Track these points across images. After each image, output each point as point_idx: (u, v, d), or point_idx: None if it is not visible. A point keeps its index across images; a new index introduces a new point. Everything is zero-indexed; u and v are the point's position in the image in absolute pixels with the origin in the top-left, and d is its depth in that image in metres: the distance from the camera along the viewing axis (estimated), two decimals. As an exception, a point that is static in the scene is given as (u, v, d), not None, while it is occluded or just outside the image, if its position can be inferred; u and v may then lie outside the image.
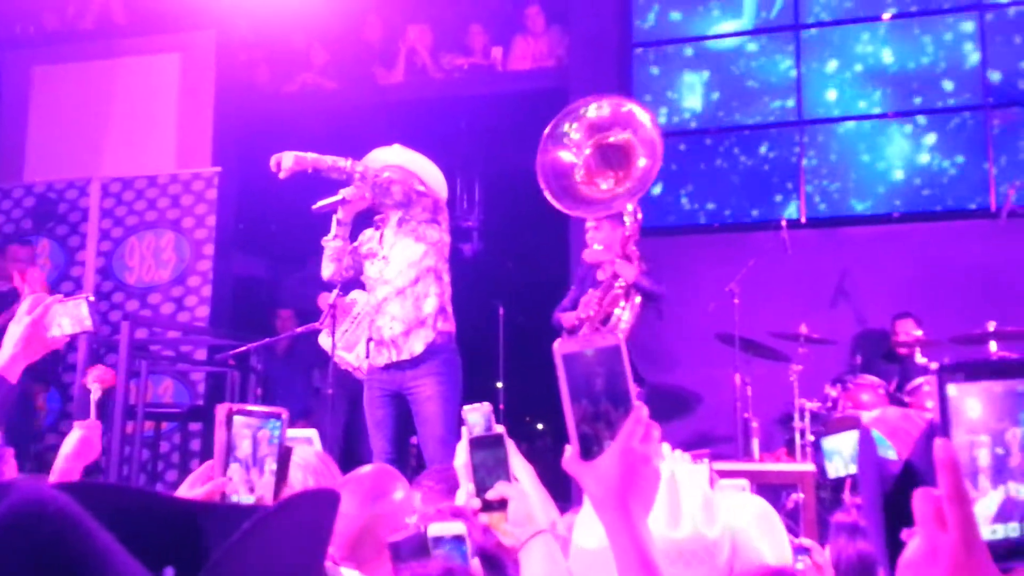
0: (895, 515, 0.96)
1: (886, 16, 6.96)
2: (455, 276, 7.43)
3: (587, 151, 4.80)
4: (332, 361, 4.79)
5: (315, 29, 8.44)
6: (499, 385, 6.42)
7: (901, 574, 0.83)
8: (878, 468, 1.02)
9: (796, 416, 5.38)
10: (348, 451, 6.08)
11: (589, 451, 1.15)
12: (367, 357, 4.54)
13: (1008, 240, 6.20)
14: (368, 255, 4.53)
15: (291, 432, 3.08)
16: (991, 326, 5.33)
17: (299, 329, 5.84)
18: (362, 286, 4.69)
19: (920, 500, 0.80)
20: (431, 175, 4.70)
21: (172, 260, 7.18)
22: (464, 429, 1.89)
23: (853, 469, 2.80)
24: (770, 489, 4.79)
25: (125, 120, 7.68)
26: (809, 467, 4.67)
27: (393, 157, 4.73)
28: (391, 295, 4.41)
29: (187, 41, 7.87)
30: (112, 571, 0.68)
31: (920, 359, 5.54)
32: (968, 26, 6.76)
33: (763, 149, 7.06)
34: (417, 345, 4.34)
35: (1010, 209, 5.93)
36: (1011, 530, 0.80)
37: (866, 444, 1.11)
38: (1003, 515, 0.80)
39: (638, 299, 4.83)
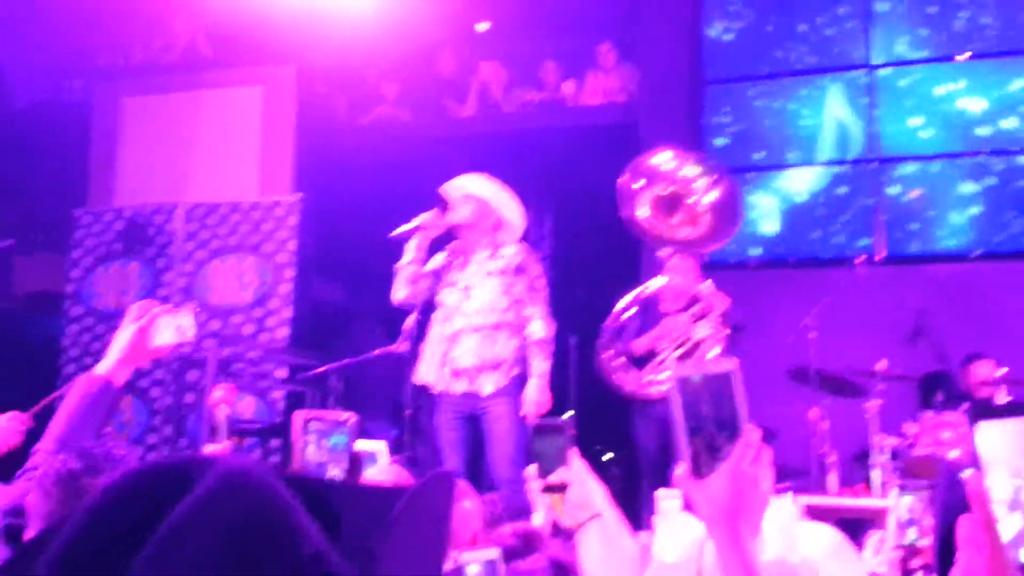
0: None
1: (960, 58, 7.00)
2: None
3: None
4: (411, 382, 4.92)
5: (390, 63, 8.66)
6: (570, 414, 6.49)
7: None
8: (949, 501, 1.07)
9: (874, 452, 5.37)
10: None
11: (700, 470, 1.21)
12: (434, 380, 4.67)
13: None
14: (447, 283, 4.66)
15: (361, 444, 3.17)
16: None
17: (376, 352, 5.97)
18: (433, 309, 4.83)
19: (960, 526, 0.90)
20: (510, 209, 4.83)
21: (254, 283, 7.39)
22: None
23: None
24: (848, 524, 4.79)
25: (209, 149, 7.95)
26: (886, 503, 4.66)
27: (476, 187, 4.86)
28: (467, 329, 4.54)
29: (269, 74, 8.13)
30: (308, 545, 0.70)
31: (1004, 397, 5.51)
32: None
33: (840, 186, 7.10)
34: (488, 386, 4.53)
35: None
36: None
37: (948, 478, 1.14)
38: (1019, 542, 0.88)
39: (725, 330, 4.88)
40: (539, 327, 4.68)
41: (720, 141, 7.45)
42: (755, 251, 7.16)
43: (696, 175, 5.02)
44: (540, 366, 4.64)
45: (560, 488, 1.84)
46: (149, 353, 2.28)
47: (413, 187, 8.11)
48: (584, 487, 1.83)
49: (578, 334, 6.63)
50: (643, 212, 4.95)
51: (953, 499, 1.06)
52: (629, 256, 7.33)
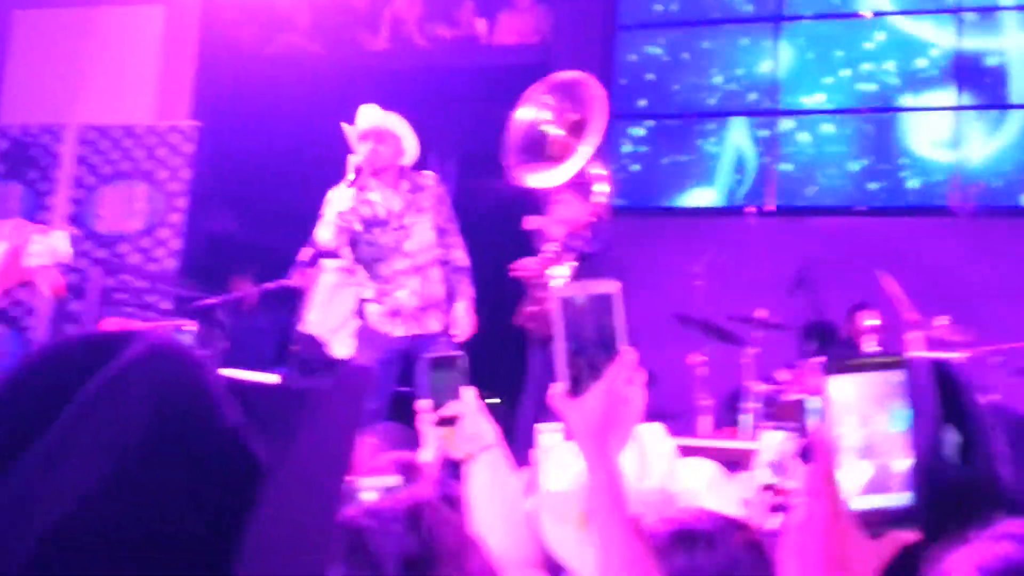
0: None
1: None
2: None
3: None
4: (301, 324, 4.88)
5: (301, -9, 8.44)
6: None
7: (786, 538, 0.95)
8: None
9: (747, 397, 5.50)
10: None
11: (576, 389, 1.23)
12: (361, 327, 4.59)
13: (965, 240, 6.32)
14: (376, 221, 4.57)
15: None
16: (944, 321, 5.47)
17: (269, 285, 5.89)
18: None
19: (803, 475, 0.94)
20: (412, 140, 4.77)
21: (144, 211, 7.22)
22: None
23: None
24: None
25: (104, 69, 7.68)
26: (754, 446, 4.78)
27: (389, 122, 4.79)
28: (409, 269, 4.51)
29: (172, -6, 7.87)
30: (228, 420, 0.72)
31: (873, 348, 5.66)
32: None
33: (735, 135, 7.16)
34: (433, 324, 4.52)
35: (970, 210, 6.04)
36: (880, 500, 0.92)
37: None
38: (873, 488, 0.92)
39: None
40: (461, 255, 4.71)
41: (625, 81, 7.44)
42: (647, 198, 7.22)
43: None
44: (467, 291, 4.67)
45: (452, 421, 1.85)
46: (21, 273, 2.22)
47: (319, 120, 8.00)
48: (476, 420, 1.85)
49: (476, 275, 6.60)
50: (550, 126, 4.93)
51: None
52: (536, 199, 7.32)
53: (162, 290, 6.75)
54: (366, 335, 4.56)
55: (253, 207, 8.48)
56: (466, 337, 4.50)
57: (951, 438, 1.07)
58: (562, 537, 2.02)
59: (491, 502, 1.78)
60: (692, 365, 5.78)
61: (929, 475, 0.99)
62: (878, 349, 5.61)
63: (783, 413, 5.52)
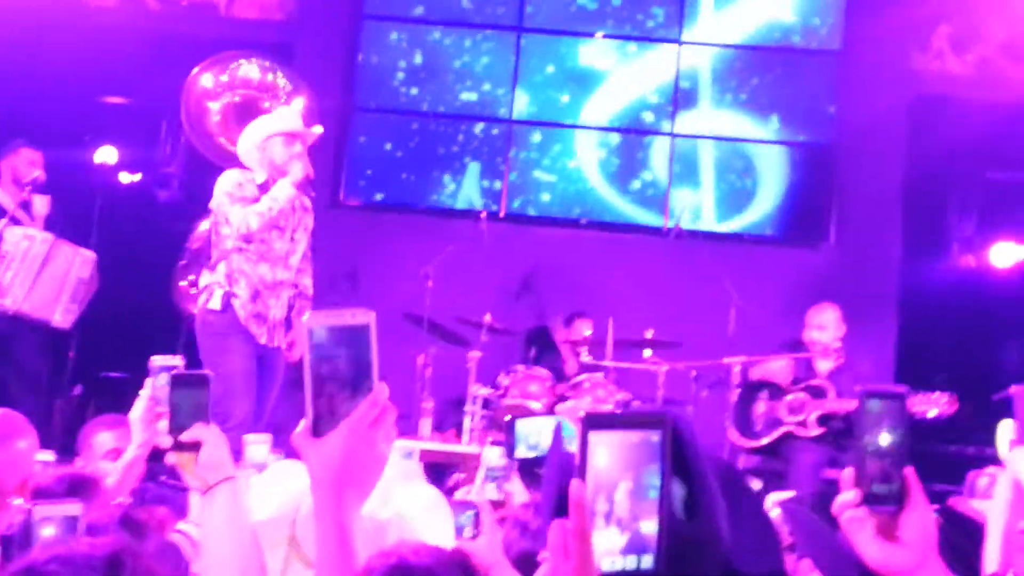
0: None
1: (599, 35, 7.49)
2: (150, 222, 7.14)
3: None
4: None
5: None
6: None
7: None
8: (561, 462, 1.08)
9: (469, 400, 5.69)
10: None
11: (320, 429, 1.14)
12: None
13: (674, 258, 6.89)
14: (275, 225, 4.34)
15: None
16: (648, 334, 5.94)
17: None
18: None
19: (552, 530, 0.92)
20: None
21: None
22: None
23: (532, 454, 3.05)
24: (435, 468, 5.04)
25: None
26: (474, 449, 4.97)
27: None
28: (285, 282, 4.44)
29: None
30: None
31: (585, 357, 6.04)
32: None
33: (473, 140, 7.37)
34: (279, 339, 4.46)
35: (678, 232, 6.58)
36: (629, 562, 0.92)
37: (557, 439, 1.18)
38: (622, 549, 0.92)
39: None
40: (310, 283, 4.66)
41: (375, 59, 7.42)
42: (380, 195, 7.28)
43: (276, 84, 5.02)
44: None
45: (193, 446, 1.73)
46: None
47: (39, 77, 7.36)
48: (219, 447, 1.74)
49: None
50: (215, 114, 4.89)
51: (565, 459, 1.07)
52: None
53: None
54: (237, 329, 4.36)
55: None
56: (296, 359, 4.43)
57: (677, 491, 1.06)
58: (274, 564, 1.95)
59: (225, 537, 1.68)
60: (419, 365, 5.91)
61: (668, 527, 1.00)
62: (588, 359, 6.00)
63: (501, 417, 5.78)
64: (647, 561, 0.92)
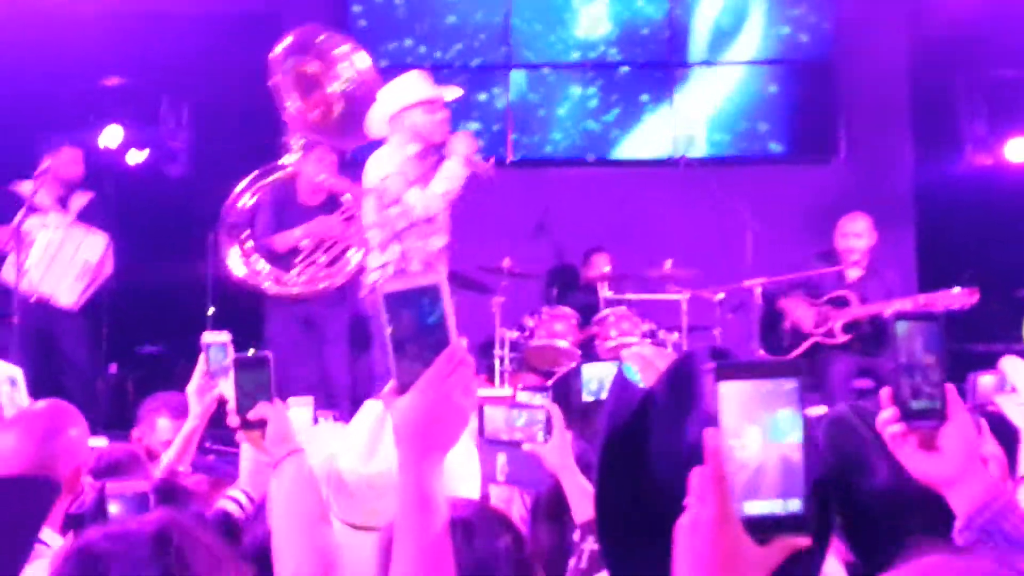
0: (626, 446, 1.08)
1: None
2: (161, 199, 7.17)
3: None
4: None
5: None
6: (211, 311, 6.29)
7: (677, 538, 0.95)
8: (618, 402, 1.12)
9: (496, 344, 5.74)
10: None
11: (405, 387, 1.16)
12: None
13: (686, 186, 6.88)
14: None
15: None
16: (668, 265, 5.95)
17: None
18: None
19: (693, 477, 0.93)
20: None
21: None
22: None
23: (592, 399, 3.06)
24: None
25: None
26: (507, 391, 5.03)
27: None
28: (446, 247, 4.59)
29: None
30: None
31: (606, 292, 6.07)
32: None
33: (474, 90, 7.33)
34: None
35: (687, 161, 6.57)
36: (769, 507, 0.92)
37: (619, 379, 1.19)
38: (763, 494, 0.92)
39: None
40: None
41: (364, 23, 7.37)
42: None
43: (343, 58, 4.97)
44: None
45: (260, 424, 1.81)
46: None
47: (36, 64, 7.35)
48: (283, 423, 1.81)
49: (215, 230, 6.38)
50: (285, 86, 4.87)
51: (619, 404, 1.11)
52: (269, 149, 7.14)
53: None
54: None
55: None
56: None
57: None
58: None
59: (295, 509, 1.73)
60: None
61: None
62: (609, 294, 6.03)
63: (530, 358, 5.84)
64: (794, 505, 0.92)
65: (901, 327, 1.23)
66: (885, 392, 1.24)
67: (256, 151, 6.97)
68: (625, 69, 7.37)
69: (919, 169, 7.25)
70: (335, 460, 1.96)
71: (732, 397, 0.94)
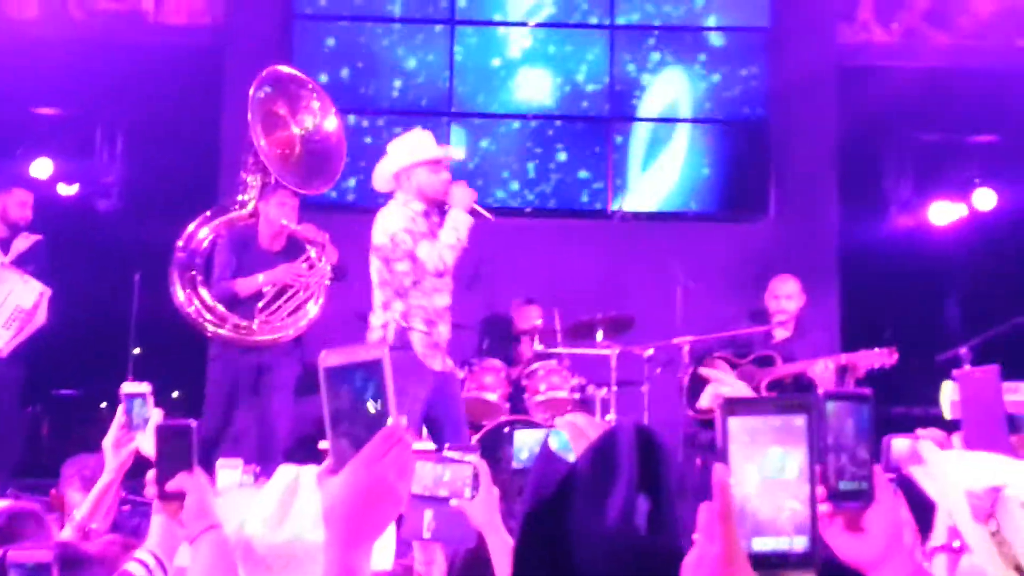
0: (546, 521, 1.09)
1: (531, 23, 7.51)
2: (89, 236, 7.04)
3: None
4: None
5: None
6: (136, 351, 6.18)
7: (683, 574, 0.95)
8: (542, 475, 1.13)
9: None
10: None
11: (339, 467, 1.12)
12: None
13: (619, 240, 6.97)
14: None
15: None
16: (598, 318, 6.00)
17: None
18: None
19: (701, 513, 0.94)
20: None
21: None
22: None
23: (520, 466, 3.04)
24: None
25: None
26: (430, 446, 5.00)
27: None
28: (449, 307, 4.55)
29: None
30: None
31: (537, 345, 6.09)
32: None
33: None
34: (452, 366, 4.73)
35: (622, 215, 6.66)
36: (775, 544, 0.94)
37: (544, 451, 1.19)
38: (769, 531, 0.94)
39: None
40: None
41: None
42: (333, 193, 7.23)
43: (310, 102, 5.02)
44: None
45: (179, 496, 1.76)
46: None
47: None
48: (202, 495, 1.76)
49: (144, 268, 6.28)
50: (255, 123, 4.89)
51: (544, 477, 1.12)
52: (207, 186, 7.07)
53: None
54: (413, 365, 4.39)
55: None
56: None
57: (642, 506, 1.09)
58: None
59: None
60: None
61: (620, 541, 1.05)
62: (540, 347, 6.05)
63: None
64: (800, 543, 0.94)
65: (831, 406, 1.22)
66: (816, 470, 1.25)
67: (193, 188, 6.91)
68: (560, 123, 7.47)
69: (845, 230, 7.44)
70: (243, 527, 1.91)
71: (740, 433, 0.94)
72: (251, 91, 4.95)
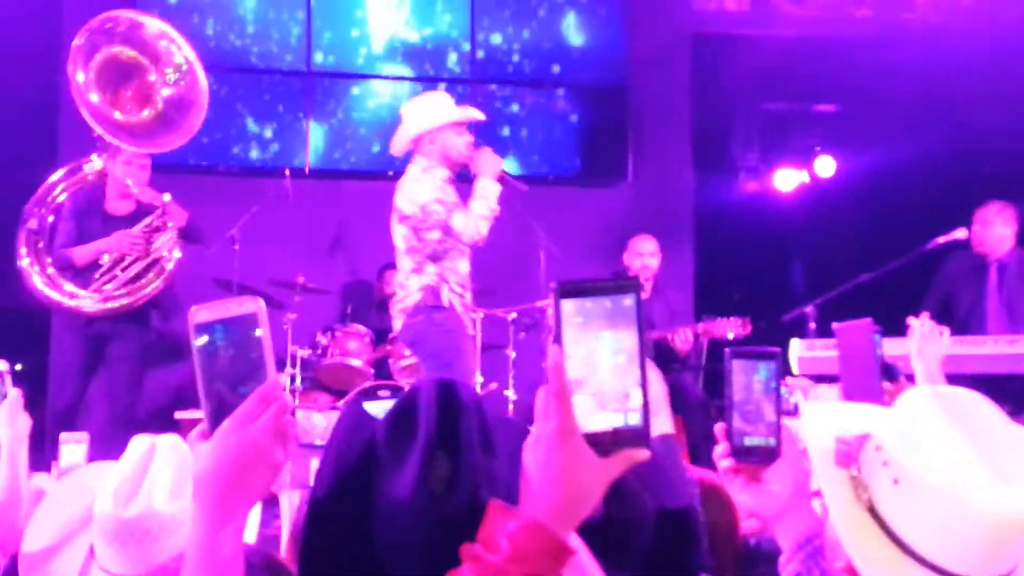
0: (346, 485, 1.10)
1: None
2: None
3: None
4: None
5: None
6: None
7: (524, 454, 0.97)
8: (343, 443, 1.13)
9: (288, 362, 5.63)
10: None
11: (215, 429, 1.04)
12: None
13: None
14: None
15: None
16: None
17: None
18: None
19: (538, 396, 0.96)
20: None
21: None
22: None
23: None
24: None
25: None
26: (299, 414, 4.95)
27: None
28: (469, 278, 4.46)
29: None
30: None
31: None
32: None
33: (276, 97, 7.16)
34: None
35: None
36: (609, 421, 0.94)
37: (353, 410, 1.19)
38: (603, 408, 0.94)
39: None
40: None
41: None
42: (191, 159, 6.99)
43: (175, 56, 4.61)
44: None
45: None
46: None
47: None
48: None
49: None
50: (85, 75, 4.50)
51: (350, 439, 1.11)
52: (46, 134, 6.67)
53: None
54: (459, 325, 4.33)
55: None
56: None
57: (440, 466, 1.06)
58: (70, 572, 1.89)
59: None
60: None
61: (414, 506, 1.03)
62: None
63: (323, 376, 5.77)
64: (633, 418, 0.94)
65: (736, 364, 1.25)
66: (719, 427, 1.27)
67: (35, 148, 6.51)
68: (423, 85, 7.41)
69: (698, 195, 7.69)
70: (95, 503, 1.86)
71: (573, 314, 0.95)
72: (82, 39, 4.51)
